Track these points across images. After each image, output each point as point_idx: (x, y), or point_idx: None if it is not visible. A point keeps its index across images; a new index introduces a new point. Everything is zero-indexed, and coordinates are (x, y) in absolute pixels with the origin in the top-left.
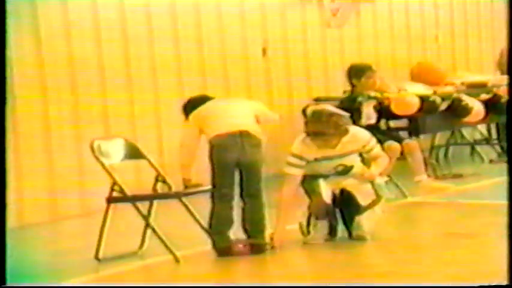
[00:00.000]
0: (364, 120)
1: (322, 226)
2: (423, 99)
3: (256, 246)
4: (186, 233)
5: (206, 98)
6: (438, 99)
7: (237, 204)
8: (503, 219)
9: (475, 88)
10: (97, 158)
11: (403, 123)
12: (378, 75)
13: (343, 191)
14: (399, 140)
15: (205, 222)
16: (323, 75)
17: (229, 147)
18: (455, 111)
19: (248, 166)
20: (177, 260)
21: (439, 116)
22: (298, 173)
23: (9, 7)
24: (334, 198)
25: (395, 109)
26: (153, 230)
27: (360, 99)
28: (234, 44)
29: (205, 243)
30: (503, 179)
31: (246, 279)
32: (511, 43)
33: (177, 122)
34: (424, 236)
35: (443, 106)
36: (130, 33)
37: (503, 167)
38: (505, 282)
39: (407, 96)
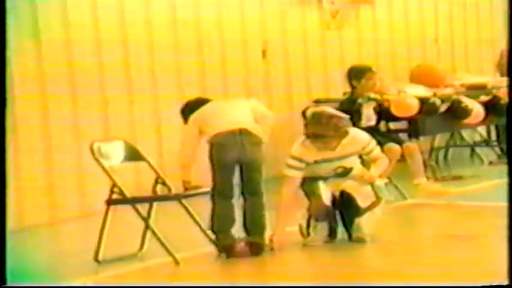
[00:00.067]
0: (364, 122)
1: (322, 228)
2: (423, 101)
3: (255, 245)
4: (185, 235)
5: (204, 101)
6: (438, 101)
7: (237, 203)
8: (503, 221)
9: (474, 90)
10: (97, 160)
11: (403, 125)
12: (378, 77)
13: (342, 193)
14: (399, 142)
15: (205, 224)
16: (323, 77)
17: (229, 146)
18: (455, 113)
19: (248, 164)
20: (176, 262)
21: (439, 117)
22: (298, 175)
23: (9, 8)
24: (334, 200)
25: (395, 111)
26: (153, 232)
27: (359, 101)
28: (234, 46)
29: (205, 245)
30: (503, 180)
31: (245, 281)
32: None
33: (176, 124)
34: (423, 237)
35: (443, 108)
36: (130, 35)
37: (503, 168)
38: (505, 283)
39: (407, 98)
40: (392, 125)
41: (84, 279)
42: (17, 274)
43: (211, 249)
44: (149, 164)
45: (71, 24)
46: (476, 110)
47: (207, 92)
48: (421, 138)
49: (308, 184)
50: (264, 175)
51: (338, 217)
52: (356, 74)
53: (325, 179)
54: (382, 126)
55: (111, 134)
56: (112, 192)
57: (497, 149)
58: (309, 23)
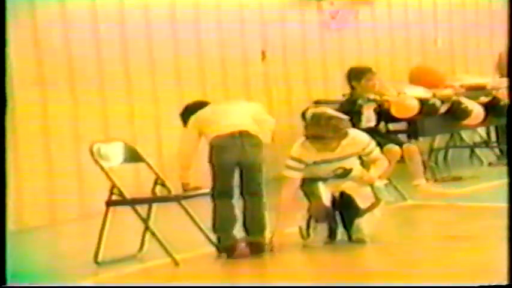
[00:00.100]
0: (364, 123)
1: (322, 229)
2: (422, 102)
3: (256, 245)
4: (185, 236)
5: (203, 104)
6: (437, 102)
7: (237, 203)
8: (502, 222)
9: (474, 91)
10: (96, 161)
11: (402, 126)
12: (377, 78)
13: (342, 194)
14: (399, 143)
15: (204, 226)
16: (322, 78)
17: (229, 148)
18: (455, 114)
19: (249, 166)
20: (176, 263)
21: (439, 118)
22: (298, 176)
23: (8, 9)
24: (334, 201)
25: (394, 112)
26: (152, 233)
27: (359, 102)
28: (233, 47)
29: (204, 246)
30: (502, 181)
31: (245, 282)
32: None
33: (176, 125)
34: (423, 238)
35: (443, 109)
36: (130, 36)
37: (502, 169)
38: (505, 283)
39: (407, 99)
40: (392, 126)
41: (84, 281)
42: (16, 276)
43: (211, 250)
44: (149, 165)
45: (70, 27)
46: (476, 111)
47: (207, 93)
48: (421, 139)
49: (308, 185)
50: (263, 176)
51: (338, 218)
52: (356, 75)
53: (324, 180)
54: (382, 127)
55: (111, 135)
56: (111, 193)
57: (497, 150)
58: (308, 24)
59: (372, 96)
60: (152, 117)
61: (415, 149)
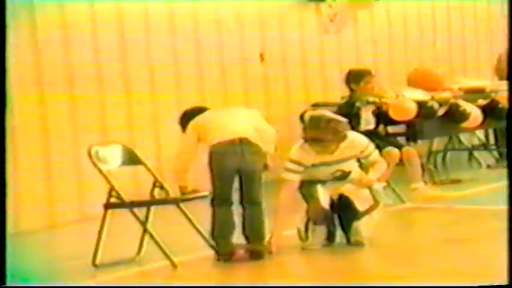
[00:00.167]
0: (362, 126)
1: (320, 231)
2: (421, 104)
3: (255, 253)
4: (183, 238)
5: (202, 109)
6: (436, 105)
7: (236, 210)
8: (501, 224)
9: (472, 93)
10: (95, 164)
11: (401, 128)
12: (376, 80)
13: (341, 197)
14: (398, 146)
15: (203, 228)
16: (321, 80)
17: (229, 155)
18: (453, 116)
19: (248, 173)
20: (174, 266)
21: (437, 121)
22: (296, 179)
23: (8, 10)
24: (332, 203)
25: (393, 115)
26: (151, 236)
27: (358, 104)
28: (232, 50)
29: (203, 249)
30: (501, 184)
31: (243, 285)
32: (510, 48)
33: (174, 128)
34: (422, 241)
35: (441, 111)
36: (128, 38)
37: (501, 172)
38: (505, 283)
39: (405, 101)
40: (391, 129)
41: (82, 283)
42: (15, 278)
43: (209, 252)
44: (147, 167)
45: (69, 29)
46: (474, 113)
47: (205, 96)
48: (419, 141)
49: (306, 187)
50: (263, 181)
51: (336, 221)
52: (355, 77)
53: (323, 182)
54: (381, 129)
55: (109, 138)
56: (110, 196)
57: (495, 153)
58: (306, 27)
59: (370, 99)
60: (150, 120)
61: (414, 151)
